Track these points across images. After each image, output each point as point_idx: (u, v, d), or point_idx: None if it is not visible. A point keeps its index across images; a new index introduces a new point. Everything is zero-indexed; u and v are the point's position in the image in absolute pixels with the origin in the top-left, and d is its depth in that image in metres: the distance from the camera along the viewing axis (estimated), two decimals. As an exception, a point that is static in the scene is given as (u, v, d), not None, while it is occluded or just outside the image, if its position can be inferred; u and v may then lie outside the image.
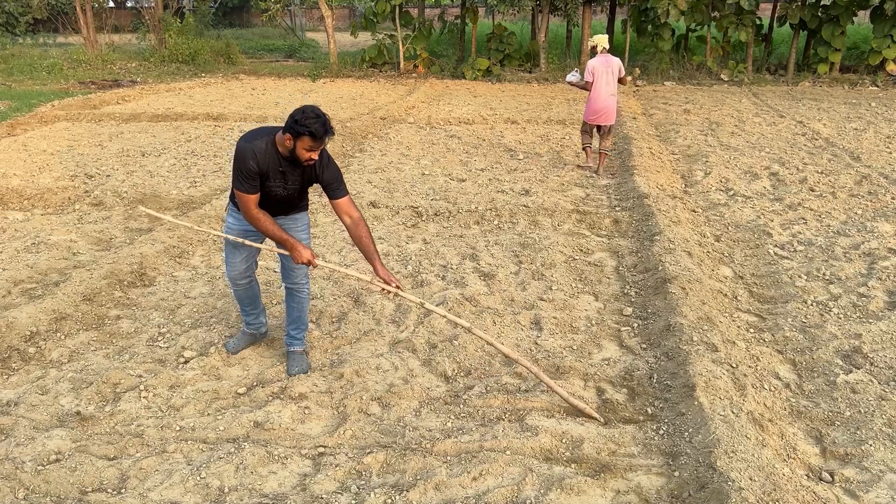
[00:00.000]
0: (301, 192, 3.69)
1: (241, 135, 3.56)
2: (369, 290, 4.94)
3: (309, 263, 3.54)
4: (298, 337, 4.01)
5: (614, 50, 18.67)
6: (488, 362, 4.04)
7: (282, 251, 3.70)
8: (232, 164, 3.55)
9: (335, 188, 3.61)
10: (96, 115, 11.65)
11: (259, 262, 4.25)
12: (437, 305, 4.66)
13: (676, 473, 3.06)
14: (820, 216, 6.54)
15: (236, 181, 3.47)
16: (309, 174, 3.57)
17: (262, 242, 3.80)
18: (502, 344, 3.82)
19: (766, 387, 3.77)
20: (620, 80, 7.79)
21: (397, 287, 3.63)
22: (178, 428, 3.43)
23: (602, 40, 7.79)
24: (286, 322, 4.03)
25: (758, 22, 16.59)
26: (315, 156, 3.40)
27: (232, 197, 3.72)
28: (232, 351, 4.12)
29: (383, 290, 3.65)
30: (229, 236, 3.75)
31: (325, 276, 5.22)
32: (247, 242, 3.71)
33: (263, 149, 3.44)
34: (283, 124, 3.40)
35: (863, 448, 3.25)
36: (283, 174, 3.51)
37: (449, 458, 3.19)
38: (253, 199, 3.48)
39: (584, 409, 3.48)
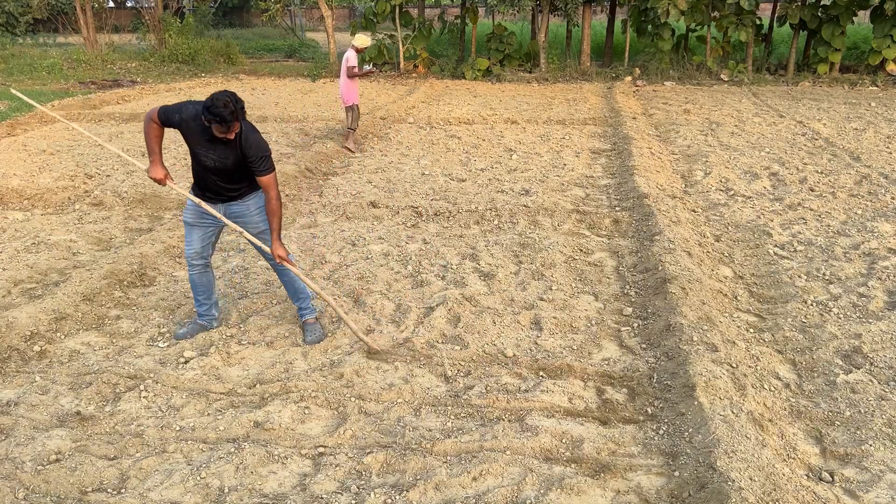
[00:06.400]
0: (236, 169, 3.92)
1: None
2: (369, 291, 4.95)
3: (159, 182, 3.96)
4: (305, 307, 4.33)
5: (614, 50, 18.74)
6: (488, 362, 4.04)
7: (253, 240, 4.08)
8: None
9: (256, 165, 3.88)
10: (96, 115, 11.65)
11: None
12: (437, 305, 4.67)
13: (676, 473, 3.06)
14: (820, 216, 6.54)
15: (164, 106, 3.88)
16: (234, 150, 3.84)
17: (216, 219, 4.07)
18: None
19: (766, 387, 3.77)
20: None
21: (286, 261, 4.03)
22: (178, 428, 3.43)
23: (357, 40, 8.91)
24: (291, 299, 4.37)
25: (758, 22, 16.57)
26: (229, 136, 3.71)
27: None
28: (178, 338, 4.29)
29: (277, 257, 4.04)
30: (189, 196, 4.04)
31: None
32: (197, 200, 4.00)
33: (194, 114, 3.80)
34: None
35: (863, 448, 3.25)
36: (209, 143, 3.84)
37: (449, 458, 3.19)
38: (158, 121, 3.89)
39: (361, 337, 4.09)
